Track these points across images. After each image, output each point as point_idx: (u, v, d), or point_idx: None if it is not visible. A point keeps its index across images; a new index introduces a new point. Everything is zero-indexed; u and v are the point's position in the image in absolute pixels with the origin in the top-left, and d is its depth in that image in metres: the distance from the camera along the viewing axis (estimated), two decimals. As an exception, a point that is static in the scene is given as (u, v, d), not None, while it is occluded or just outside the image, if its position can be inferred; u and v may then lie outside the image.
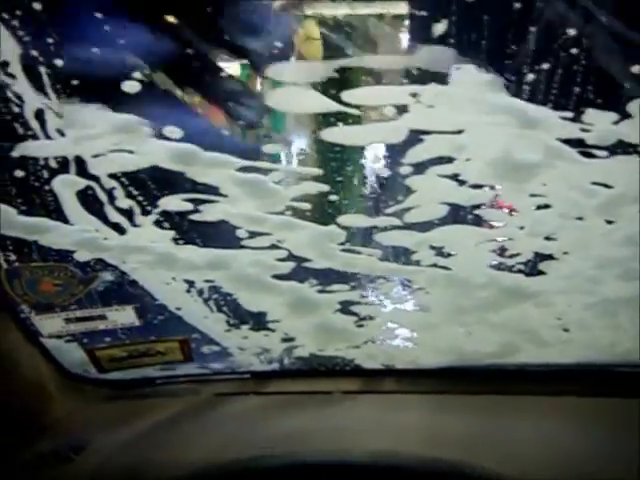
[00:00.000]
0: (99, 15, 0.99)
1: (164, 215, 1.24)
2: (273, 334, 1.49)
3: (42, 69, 1.03)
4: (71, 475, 1.36)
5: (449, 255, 1.30)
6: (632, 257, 1.26)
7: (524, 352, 1.48)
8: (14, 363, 1.41)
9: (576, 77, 1.03)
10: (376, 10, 1.03)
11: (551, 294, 1.36)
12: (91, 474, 1.35)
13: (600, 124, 1.08)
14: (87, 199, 1.21)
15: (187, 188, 1.19)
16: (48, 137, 1.11)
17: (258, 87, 1.12)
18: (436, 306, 1.42)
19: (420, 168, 1.16)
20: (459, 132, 1.10)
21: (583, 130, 1.09)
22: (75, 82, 1.05)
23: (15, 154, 1.13)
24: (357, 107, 1.09)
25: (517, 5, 0.96)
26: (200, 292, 1.40)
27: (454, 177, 1.17)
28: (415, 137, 1.12)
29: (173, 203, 1.22)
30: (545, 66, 1.03)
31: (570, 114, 1.07)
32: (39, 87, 1.06)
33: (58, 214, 1.22)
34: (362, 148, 1.18)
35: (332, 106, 1.07)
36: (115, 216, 1.24)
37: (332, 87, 1.06)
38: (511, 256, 1.30)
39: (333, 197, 1.21)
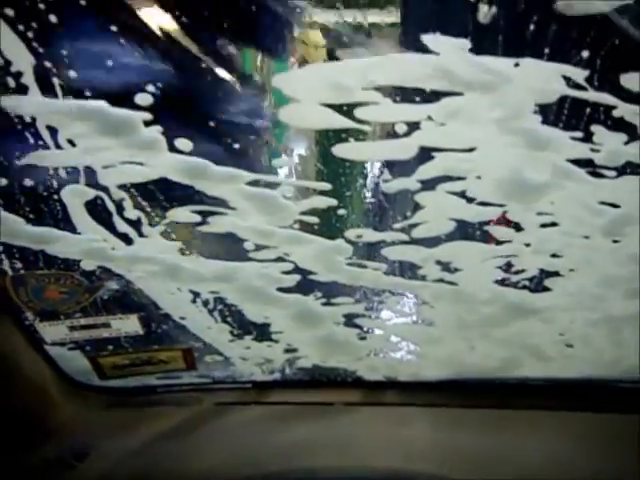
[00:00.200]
0: (113, 27, 0.98)
1: (171, 226, 1.24)
2: (276, 345, 1.50)
3: (55, 80, 1.03)
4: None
5: (455, 270, 1.30)
6: (636, 275, 1.27)
7: (527, 367, 1.49)
8: (18, 369, 1.41)
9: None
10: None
11: (555, 310, 1.37)
12: None
13: (609, 144, 1.08)
14: (96, 209, 1.21)
15: (196, 200, 1.19)
16: (58, 147, 1.11)
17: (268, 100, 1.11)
18: (440, 320, 1.43)
19: (429, 184, 1.16)
20: (470, 150, 1.10)
21: (593, 150, 1.09)
22: (88, 93, 1.05)
23: (25, 163, 1.12)
24: (369, 123, 1.08)
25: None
26: (205, 303, 1.40)
27: (462, 194, 1.17)
28: (425, 154, 1.12)
29: (181, 215, 1.21)
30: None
31: (580, 134, 1.07)
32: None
33: (66, 223, 1.22)
34: (371, 163, 1.17)
35: (345, 123, 1.07)
36: (123, 226, 1.23)
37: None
38: (517, 272, 1.30)
39: (341, 211, 1.21)
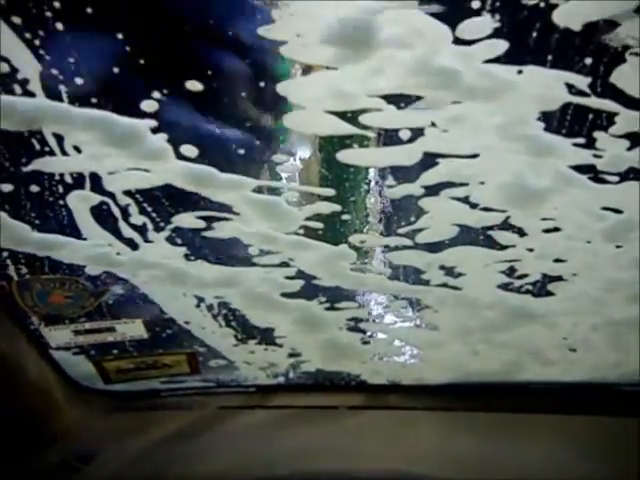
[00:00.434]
0: (120, 35, 0.99)
1: (177, 231, 1.24)
2: (280, 349, 1.50)
3: (61, 87, 1.03)
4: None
5: (459, 275, 1.31)
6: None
7: (530, 371, 1.49)
8: (23, 373, 1.42)
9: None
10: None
11: (558, 315, 1.38)
12: None
13: (612, 150, 1.09)
14: (101, 215, 1.21)
15: (201, 206, 1.19)
16: (65, 153, 1.11)
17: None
18: (444, 325, 1.43)
19: (433, 190, 1.16)
20: (473, 156, 1.11)
21: (595, 156, 1.09)
22: (94, 100, 1.05)
23: (31, 169, 1.13)
24: (373, 130, 1.09)
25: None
26: (209, 307, 1.40)
27: (466, 200, 1.17)
28: (429, 160, 1.12)
29: (186, 220, 1.22)
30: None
31: (583, 140, 1.08)
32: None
33: (71, 229, 1.23)
34: (375, 169, 1.18)
35: (349, 129, 1.08)
36: (128, 231, 1.24)
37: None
38: (520, 277, 1.31)
39: (345, 217, 1.22)
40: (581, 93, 1.02)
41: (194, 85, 1.04)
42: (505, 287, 1.33)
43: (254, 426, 1.55)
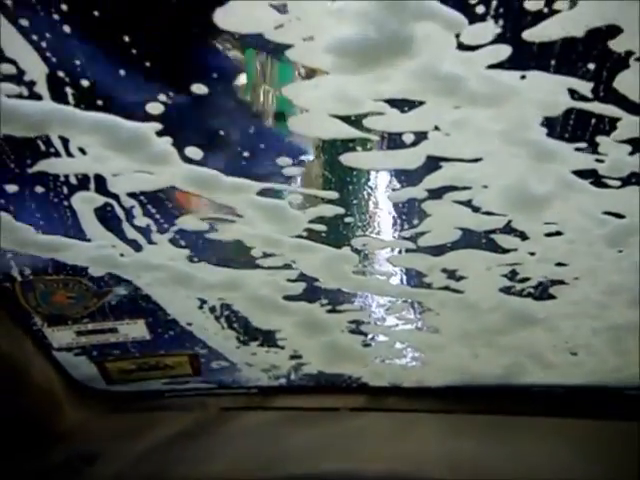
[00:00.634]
0: (125, 37, 1.00)
1: (180, 233, 1.25)
2: (282, 351, 1.51)
3: (68, 89, 1.04)
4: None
5: (461, 278, 1.31)
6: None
7: (531, 374, 1.49)
8: (26, 374, 1.43)
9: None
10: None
11: (560, 318, 1.38)
12: None
13: (614, 155, 1.09)
14: (105, 216, 1.22)
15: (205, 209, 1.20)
16: (70, 155, 1.12)
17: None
18: (445, 328, 1.44)
19: (436, 194, 1.17)
20: (476, 160, 1.11)
21: (597, 161, 1.10)
22: (99, 102, 1.06)
23: (36, 170, 1.13)
24: (377, 133, 1.10)
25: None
26: (212, 309, 1.41)
27: (469, 203, 1.18)
28: (432, 163, 1.13)
29: (190, 222, 1.23)
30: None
31: (585, 145, 1.08)
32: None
33: (75, 230, 1.23)
34: (377, 171, 1.18)
35: (353, 133, 1.08)
36: (132, 233, 1.25)
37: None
38: (522, 280, 1.31)
39: (348, 219, 1.22)
40: (584, 98, 1.03)
41: (200, 88, 1.04)
42: (507, 290, 1.34)
43: (256, 427, 1.55)
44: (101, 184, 1.18)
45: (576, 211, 1.18)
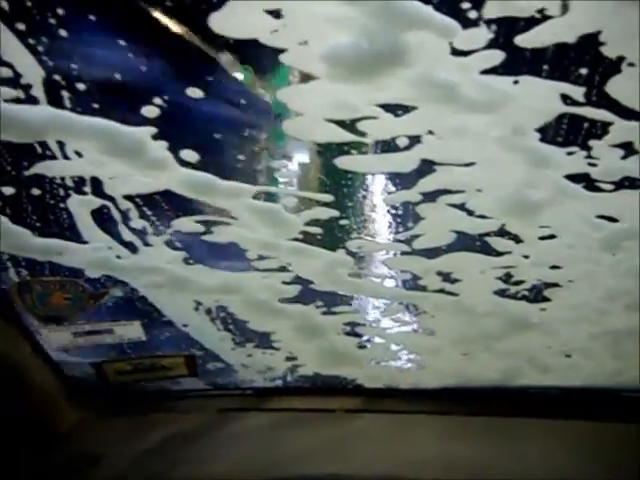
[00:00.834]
0: (121, 41, 1.01)
1: (176, 235, 1.26)
2: (278, 353, 1.51)
3: (64, 92, 1.05)
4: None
5: (455, 281, 1.32)
6: (635, 288, 1.28)
7: (527, 377, 1.50)
8: (23, 375, 1.43)
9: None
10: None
11: (555, 322, 1.38)
12: None
13: (607, 159, 1.10)
14: (102, 218, 1.23)
15: (201, 211, 1.21)
16: (66, 157, 1.13)
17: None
18: (441, 330, 1.44)
19: (430, 197, 1.18)
20: (469, 165, 1.12)
21: (590, 165, 1.11)
22: (96, 106, 1.07)
23: (33, 173, 1.14)
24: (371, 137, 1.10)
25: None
26: (208, 311, 1.41)
27: (462, 207, 1.19)
28: (426, 167, 1.14)
29: (186, 225, 1.23)
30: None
31: (577, 149, 1.09)
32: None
33: (72, 232, 1.24)
34: (372, 175, 1.19)
35: (348, 136, 1.09)
36: (128, 235, 1.25)
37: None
38: (516, 283, 1.32)
39: (343, 222, 1.23)
40: (576, 103, 1.03)
41: (195, 92, 1.05)
42: (501, 293, 1.34)
43: (252, 429, 1.56)
44: (97, 186, 1.18)
45: (570, 215, 1.19)
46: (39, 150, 1.13)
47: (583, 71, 1.00)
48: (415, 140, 1.10)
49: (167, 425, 1.58)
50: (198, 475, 1.43)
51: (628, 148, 1.09)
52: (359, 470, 1.39)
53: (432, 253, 1.28)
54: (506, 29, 0.97)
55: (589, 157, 1.10)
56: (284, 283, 1.35)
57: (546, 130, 1.08)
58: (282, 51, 1.00)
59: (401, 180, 1.17)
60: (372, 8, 0.94)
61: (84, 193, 1.20)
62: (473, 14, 0.95)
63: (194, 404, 1.65)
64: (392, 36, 0.97)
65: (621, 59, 0.98)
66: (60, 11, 0.97)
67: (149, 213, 1.23)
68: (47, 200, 1.20)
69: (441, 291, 1.34)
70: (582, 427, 1.43)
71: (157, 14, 0.99)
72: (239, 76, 1.06)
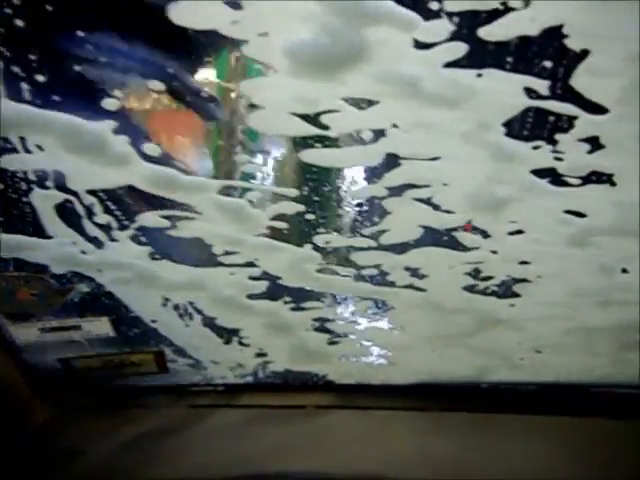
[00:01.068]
0: (80, 33, 0.99)
1: (141, 230, 1.24)
2: (247, 349, 1.50)
3: (23, 85, 1.03)
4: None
5: (424, 276, 1.31)
6: (605, 285, 1.28)
7: (500, 373, 1.50)
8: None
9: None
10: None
11: (526, 318, 1.38)
12: None
13: (573, 154, 1.09)
14: (66, 212, 1.21)
15: (166, 206, 1.20)
16: (28, 151, 1.11)
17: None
18: (411, 326, 1.43)
19: (396, 191, 1.17)
20: (435, 159, 1.11)
21: (557, 159, 1.10)
22: (55, 98, 1.05)
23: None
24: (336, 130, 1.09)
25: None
26: (176, 307, 1.40)
27: (429, 201, 1.18)
28: (392, 161, 1.13)
29: (150, 219, 1.22)
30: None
31: (543, 144, 1.08)
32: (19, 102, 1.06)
33: (35, 227, 1.22)
34: (339, 169, 1.18)
35: (310, 130, 1.08)
36: (93, 230, 1.24)
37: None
38: (485, 279, 1.31)
39: (309, 216, 1.22)
40: (541, 97, 1.03)
41: (155, 85, 1.04)
42: (471, 289, 1.33)
43: (223, 425, 1.55)
44: (60, 181, 1.17)
45: (537, 210, 1.18)
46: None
47: (547, 64, 1.00)
48: (380, 134, 1.10)
49: (139, 422, 1.57)
50: (170, 471, 1.42)
51: (594, 142, 1.08)
52: (331, 466, 1.39)
53: (400, 248, 1.27)
54: (469, 21, 0.96)
55: (555, 151, 1.10)
56: (251, 279, 1.33)
57: (511, 124, 1.07)
58: (243, 43, 0.98)
59: (367, 174, 1.16)
60: (333, 2, 0.93)
61: (47, 187, 1.18)
62: (434, 5, 0.94)
63: (165, 400, 1.64)
64: (353, 31, 0.97)
65: (585, 52, 0.98)
66: (16, 1, 0.95)
67: (113, 208, 1.21)
68: (9, 194, 1.18)
69: (410, 287, 1.33)
70: (556, 422, 1.43)
71: (116, 5, 0.97)
72: (200, 68, 1.05)
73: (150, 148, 1.12)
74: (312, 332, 1.45)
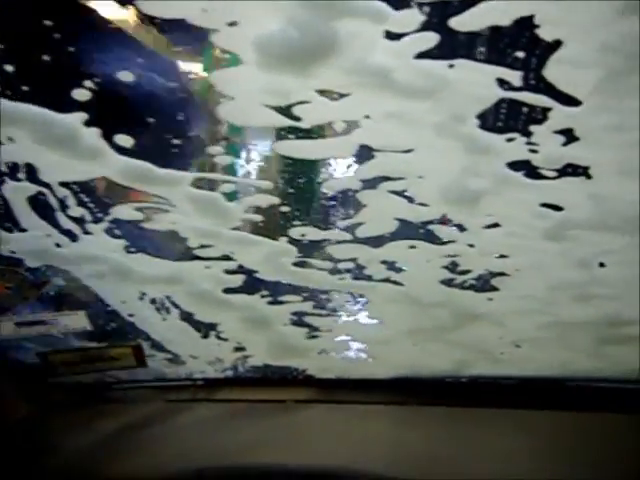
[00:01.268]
0: (48, 22, 0.98)
1: (115, 223, 1.23)
2: (225, 343, 1.49)
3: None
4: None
5: (401, 270, 1.30)
6: (582, 278, 1.27)
7: (479, 367, 1.49)
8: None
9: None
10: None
11: (504, 312, 1.37)
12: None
13: (548, 146, 1.09)
14: (39, 205, 1.20)
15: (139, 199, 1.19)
16: (-2, 143, 1.10)
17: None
18: (389, 320, 1.43)
19: (371, 184, 1.16)
20: (408, 151, 1.10)
21: (531, 151, 1.09)
22: (25, 88, 1.04)
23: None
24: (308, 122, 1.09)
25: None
26: (153, 301, 1.39)
27: (403, 194, 1.17)
28: (366, 152, 1.12)
29: (124, 212, 1.21)
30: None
31: (517, 136, 1.08)
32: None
33: (9, 220, 1.21)
34: (313, 161, 1.17)
35: (284, 121, 1.07)
36: (67, 223, 1.23)
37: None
38: (462, 272, 1.31)
39: (285, 209, 1.21)
40: (514, 88, 1.02)
41: (126, 76, 1.03)
42: (448, 283, 1.33)
43: (202, 419, 1.54)
44: (32, 173, 1.16)
45: (513, 203, 1.18)
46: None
47: (519, 55, 0.99)
48: (353, 125, 1.09)
49: (118, 416, 1.56)
50: (149, 465, 1.41)
51: (569, 134, 1.07)
52: (311, 461, 1.38)
53: (376, 241, 1.26)
54: (439, 11, 0.95)
55: (530, 143, 1.09)
56: (227, 272, 1.32)
57: (485, 116, 1.06)
58: (212, 32, 0.97)
59: (341, 166, 1.16)
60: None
61: (19, 179, 1.17)
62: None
63: (145, 395, 1.63)
64: (323, 23, 0.96)
65: (558, 42, 0.97)
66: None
67: (86, 200, 1.20)
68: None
69: (387, 280, 1.33)
70: (535, 416, 1.43)
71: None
72: (170, 58, 1.04)
73: (123, 140, 1.11)
74: (290, 326, 1.44)
